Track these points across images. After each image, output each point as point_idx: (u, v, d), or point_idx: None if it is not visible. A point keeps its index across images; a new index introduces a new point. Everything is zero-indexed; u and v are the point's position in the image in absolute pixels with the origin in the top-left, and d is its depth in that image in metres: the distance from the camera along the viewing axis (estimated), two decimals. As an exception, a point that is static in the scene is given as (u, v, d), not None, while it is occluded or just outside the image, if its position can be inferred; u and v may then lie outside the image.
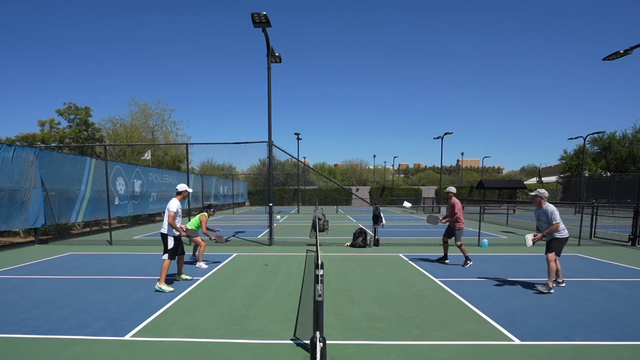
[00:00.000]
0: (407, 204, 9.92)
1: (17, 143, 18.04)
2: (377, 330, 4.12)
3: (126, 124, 25.76)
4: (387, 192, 42.19)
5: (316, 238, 6.19)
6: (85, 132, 20.90)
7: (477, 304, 5.04)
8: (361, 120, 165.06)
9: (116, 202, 14.34)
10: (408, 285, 6.06)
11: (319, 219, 10.69)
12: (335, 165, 72.31)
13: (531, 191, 6.51)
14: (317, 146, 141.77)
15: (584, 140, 32.17)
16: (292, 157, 11.70)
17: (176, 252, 5.94)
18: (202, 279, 6.49)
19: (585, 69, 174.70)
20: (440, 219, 7.79)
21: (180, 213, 5.90)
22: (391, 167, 65.72)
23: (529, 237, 5.70)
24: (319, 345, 3.09)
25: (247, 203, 41.21)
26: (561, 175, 42.78)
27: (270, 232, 10.59)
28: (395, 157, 61.11)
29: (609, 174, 36.42)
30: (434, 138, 33.48)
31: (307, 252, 9.15)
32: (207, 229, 7.52)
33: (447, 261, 7.87)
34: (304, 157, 60.03)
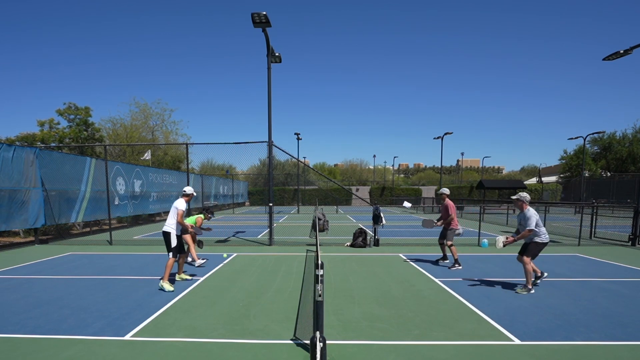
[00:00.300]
0: (407, 204, 9.92)
1: (17, 143, 18.04)
2: (377, 330, 4.12)
3: (126, 124, 25.78)
4: (387, 192, 42.19)
5: (316, 238, 6.20)
6: (85, 132, 20.90)
7: (477, 304, 5.04)
8: (361, 120, 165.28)
9: (116, 202, 14.35)
10: (408, 285, 6.06)
11: (319, 219, 10.69)
12: (335, 165, 72.37)
13: (515, 194, 6.52)
14: (317, 146, 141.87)
15: (584, 140, 32.18)
16: (292, 157, 11.70)
17: (179, 251, 5.96)
18: (202, 279, 6.49)
19: (585, 69, 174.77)
20: (435, 222, 7.78)
21: (185, 213, 6.04)
22: (391, 167, 65.75)
23: (500, 239, 5.70)
24: (319, 345, 3.09)
25: (247, 203, 41.21)
26: (561, 175, 42.78)
27: (270, 232, 10.59)
28: (395, 157, 61.22)
29: (609, 174, 36.43)
30: (434, 138, 33.52)
31: (307, 252, 9.15)
32: (201, 228, 7.67)
33: (446, 261, 7.88)
34: (304, 157, 60.10)
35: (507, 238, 5.70)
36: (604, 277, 6.64)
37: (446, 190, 7.72)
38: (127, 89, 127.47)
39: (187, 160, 12.99)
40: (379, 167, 68.52)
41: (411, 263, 7.90)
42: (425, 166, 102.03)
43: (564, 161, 42.02)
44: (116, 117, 26.13)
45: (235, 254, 8.89)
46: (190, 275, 6.63)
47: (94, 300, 5.22)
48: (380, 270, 7.23)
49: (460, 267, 7.33)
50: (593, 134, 33.11)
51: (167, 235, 5.81)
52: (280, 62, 10.49)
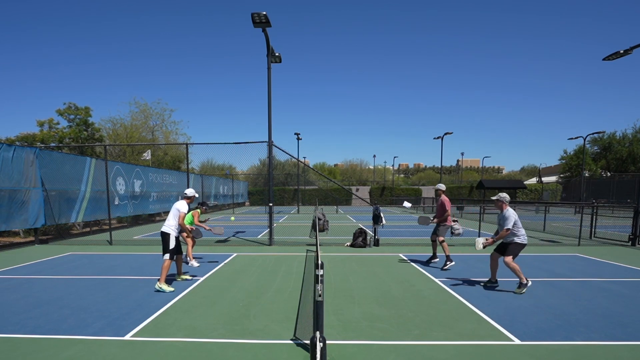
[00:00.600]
0: (407, 204, 9.91)
1: (17, 143, 18.04)
2: (377, 330, 4.12)
3: (126, 124, 25.78)
4: (387, 192, 42.19)
5: (316, 238, 6.20)
6: (85, 132, 20.90)
7: (477, 304, 5.04)
8: (361, 120, 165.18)
9: (116, 202, 14.35)
10: (408, 285, 6.06)
11: (319, 219, 10.68)
12: (335, 165, 72.36)
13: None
14: (317, 146, 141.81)
15: (584, 140, 32.19)
16: (292, 157, 11.70)
17: (175, 252, 5.96)
18: (202, 279, 6.49)
19: (585, 69, 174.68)
20: (431, 219, 7.76)
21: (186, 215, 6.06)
22: (391, 167, 65.75)
23: (480, 241, 5.71)
24: (319, 345, 3.09)
25: (247, 203, 41.22)
26: (561, 175, 42.80)
27: (270, 232, 10.59)
28: (395, 157, 61.21)
29: (609, 174, 36.43)
30: (434, 138, 33.54)
31: (307, 252, 9.15)
32: (199, 221, 7.70)
33: (436, 260, 7.83)
34: (304, 157, 60.10)
35: (486, 239, 5.71)
36: (604, 277, 6.64)
37: (442, 186, 7.70)
38: (127, 89, 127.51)
39: (187, 160, 13.01)
40: (379, 167, 68.56)
41: (411, 263, 7.90)
42: (425, 166, 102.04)
43: (564, 161, 42.04)
44: (116, 117, 26.15)
45: (235, 254, 8.89)
46: (191, 275, 6.63)
47: (94, 300, 5.22)
48: (380, 270, 7.23)
49: (453, 263, 7.25)
50: (593, 134, 33.13)
51: (166, 235, 5.81)
52: (280, 62, 10.49)
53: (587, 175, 35.20)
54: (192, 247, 7.69)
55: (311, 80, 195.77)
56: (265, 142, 10.27)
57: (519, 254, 5.57)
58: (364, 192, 43.23)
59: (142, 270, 7.16)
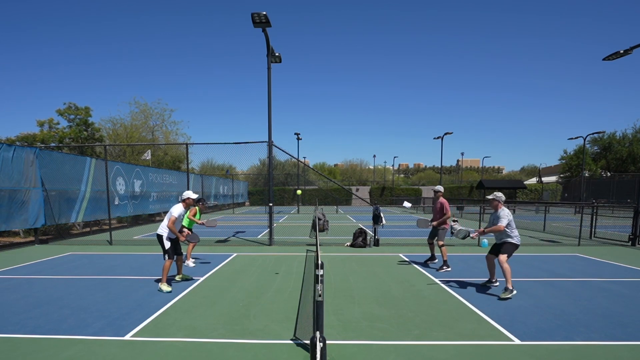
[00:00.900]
0: (407, 204, 9.91)
1: (17, 143, 18.05)
2: (377, 330, 4.12)
3: (126, 124, 25.80)
4: (387, 192, 42.20)
5: (316, 238, 6.19)
6: (85, 132, 20.91)
7: (477, 304, 5.04)
8: (361, 120, 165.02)
9: (116, 202, 14.35)
10: (408, 285, 6.06)
11: (319, 219, 10.68)
12: (335, 165, 72.39)
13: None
14: (317, 146, 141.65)
15: (584, 140, 32.20)
16: (292, 157, 11.71)
17: (174, 252, 5.96)
18: (202, 279, 6.49)
19: (586, 69, 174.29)
20: (430, 222, 7.68)
21: (182, 219, 6.05)
22: (391, 167, 65.76)
23: (460, 228, 5.94)
24: (319, 345, 3.09)
25: (247, 203, 41.23)
26: (561, 175, 42.81)
27: (270, 232, 10.59)
28: (395, 157, 61.23)
29: (609, 174, 36.43)
30: (434, 138, 33.55)
31: (307, 252, 9.15)
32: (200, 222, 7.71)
33: (435, 261, 7.81)
34: (304, 157, 60.10)
35: (476, 231, 5.80)
36: (604, 277, 6.64)
37: (441, 188, 7.66)
38: (127, 89, 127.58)
39: (187, 160, 13.01)
40: (379, 167, 68.58)
41: (411, 263, 7.90)
42: (425, 166, 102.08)
43: (564, 161, 42.06)
44: (116, 117, 26.20)
45: (235, 254, 8.89)
46: (191, 275, 6.63)
47: (94, 300, 5.22)
48: (380, 270, 7.23)
49: (449, 269, 7.14)
50: (593, 134, 33.15)
51: (159, 237, 5.87)
52: (280, 62, 10.49)
53: (587, 175, 35.20)
54: (193, 247, 7.70)
55: (311, 81, 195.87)
56: (265, 142, 10.27)
57: (514, 254, 5.56)
58: (364, 192, 43.24)
59: (142, 270, 7.16)
